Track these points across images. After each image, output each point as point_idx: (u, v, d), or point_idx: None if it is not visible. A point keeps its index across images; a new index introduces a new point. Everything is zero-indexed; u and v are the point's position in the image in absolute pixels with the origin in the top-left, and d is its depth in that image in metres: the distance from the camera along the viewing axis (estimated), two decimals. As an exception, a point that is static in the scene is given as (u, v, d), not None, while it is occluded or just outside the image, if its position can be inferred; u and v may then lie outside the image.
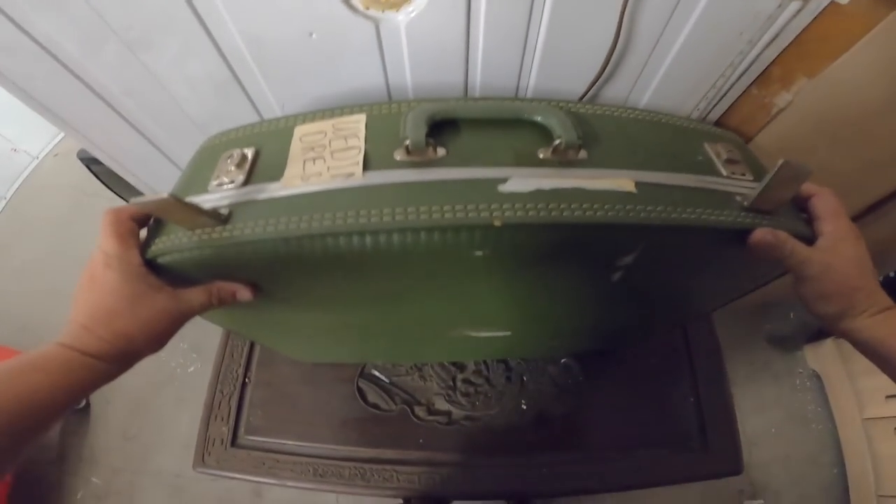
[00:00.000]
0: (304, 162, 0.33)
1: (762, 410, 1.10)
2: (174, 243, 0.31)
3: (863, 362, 0.93)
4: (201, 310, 0.33)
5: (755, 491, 1.04)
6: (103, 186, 0.98)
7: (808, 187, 0.33)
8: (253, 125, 0.39)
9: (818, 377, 1.10)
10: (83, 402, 1.19)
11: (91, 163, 0.94)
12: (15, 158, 1.71)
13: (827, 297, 0.32)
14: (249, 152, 0.35)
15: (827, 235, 0.32)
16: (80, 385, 0.28)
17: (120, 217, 0.31)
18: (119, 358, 0.30)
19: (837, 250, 0.31)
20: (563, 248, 0.31)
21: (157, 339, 0.32)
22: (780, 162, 0.30)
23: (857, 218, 0.69)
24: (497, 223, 0.28)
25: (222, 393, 0.67)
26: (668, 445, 0.61)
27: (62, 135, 1.80)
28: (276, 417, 0.64)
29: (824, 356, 1.06)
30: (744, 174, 0.35)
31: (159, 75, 0.45)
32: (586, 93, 0.48)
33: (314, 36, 0.43)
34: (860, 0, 0.41)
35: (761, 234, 0.31)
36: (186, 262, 0.31)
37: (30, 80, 0.45)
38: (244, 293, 0.34)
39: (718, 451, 0.60)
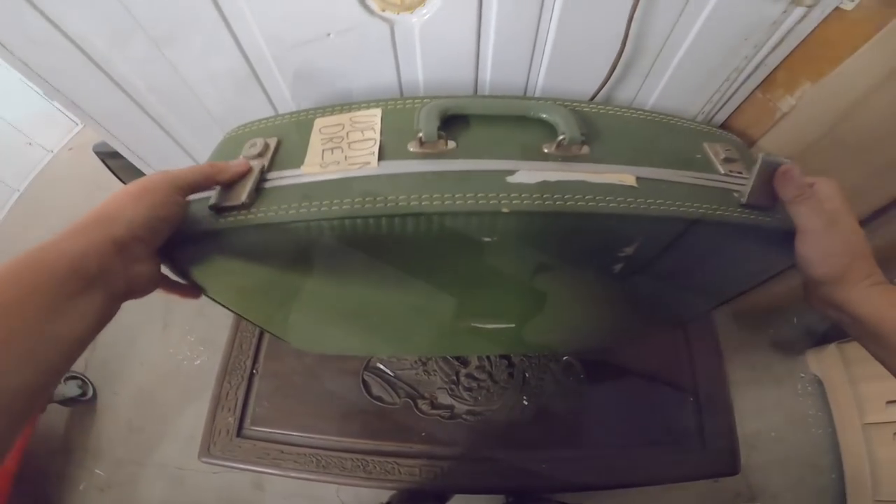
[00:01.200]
0: (323, 151, 0.35)
1: (763, 414, 1.10)
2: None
3: (865, 367, 0.96)
4: (193, 176, 0.31)
5: (753, 494, 1.04)
6: (116, 181, 1.00)
7: (809, 179, 0.34)
8: (275, 117, 0.41)
9: (820, 382, 1.10)
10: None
11: (106, 157, 0.95)
12: (30, 152, 1.70)
13: (829, 256, 0.32)
14: (272, 142, 0.37)
15: (828, 209, 0.32)
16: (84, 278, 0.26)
17: None
18: (107, 235, 0.27)
19: (840, 215, 0.32)
20: (567, 237, 0.33)
21: (149, 204, 0.28)
22: (760, 155, 0.31)
23: (861, 224, 0.70)
24: (506, 210, 0.30)
25: (230, 384, 0.68)
26: (667, 444, 0.62)
27: (77, 129, 1.80)
28: (281, 408, 0.65)
29: (827, 361, 1.06)
30: (741, 172, 0.37)
31: (182, 71, 0.47)
32: (594, 95, 0.49)
33: (332, 36, 0.45)
34: (865, 5, 0.42)
35: (790, 167, 0.32)
36: (209, 243, 0.33)
37: (56, 74, 0.46)
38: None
39: (716, 451, 0.61)
